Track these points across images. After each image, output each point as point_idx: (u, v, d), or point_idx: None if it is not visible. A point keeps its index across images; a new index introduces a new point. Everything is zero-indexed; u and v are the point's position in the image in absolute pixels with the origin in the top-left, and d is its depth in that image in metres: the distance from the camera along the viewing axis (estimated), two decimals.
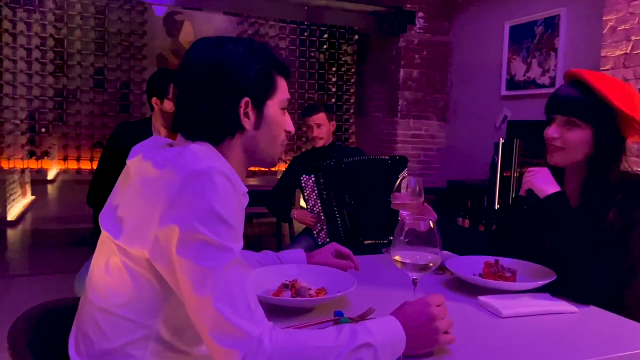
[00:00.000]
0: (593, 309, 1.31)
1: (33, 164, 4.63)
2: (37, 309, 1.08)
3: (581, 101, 1.39)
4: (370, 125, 5.54)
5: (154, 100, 2.46)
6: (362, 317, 1.13)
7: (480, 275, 1.44)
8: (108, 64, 4.77)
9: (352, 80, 5.71)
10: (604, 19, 3.06)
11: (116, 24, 4.81)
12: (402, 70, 4.99)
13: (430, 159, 5.20)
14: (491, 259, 1.48)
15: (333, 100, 5.65)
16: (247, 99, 1.04)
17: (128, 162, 1.04)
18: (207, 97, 1.03)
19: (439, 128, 5.20)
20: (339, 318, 1.12)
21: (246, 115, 1.06)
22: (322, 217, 2.91)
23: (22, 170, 4.87)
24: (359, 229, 2.88)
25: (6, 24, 4.50)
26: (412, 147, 5.11)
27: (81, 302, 1.05)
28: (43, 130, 4.64)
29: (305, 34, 5.44)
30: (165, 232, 0.88)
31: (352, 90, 5.72)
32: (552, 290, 1.36)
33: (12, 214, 5.10)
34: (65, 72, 4.68)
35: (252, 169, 2.65)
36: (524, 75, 4.26)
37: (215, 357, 0.85)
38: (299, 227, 3.14)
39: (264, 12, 4.93)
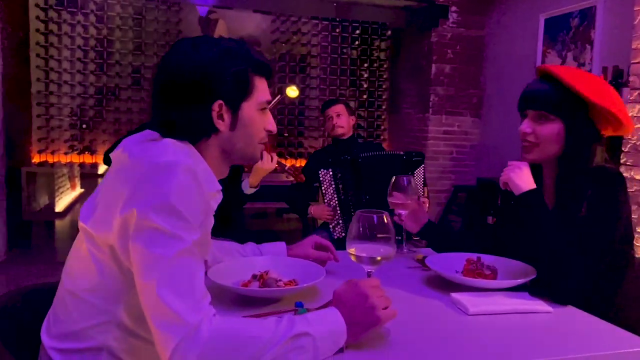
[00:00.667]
0: (570, 309, 1.27)
1: (75, 159, 4.88)
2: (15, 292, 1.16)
3: (550, 94, 1.36)
4: (402, 121, 5.49)
5: None
6: (323, 308, 1.14)
7: (461, 272, 1.43)
8: (145, 63, 4.96)
9: (385, 76, 5.67)
10: (635, 9, 2.91)
11: (153, 23, 4.98)
12: (434, 65, 4.92)
13: (462, 156, 5.09)
14: (474, 256, 1.46)
15: (365, 96, 5.63)
16: (220, 101, 1.08)
17: (111, 154, 1.10)
18: (180, 100, 1.07)
19: (473, 124, 5.09)
20: (298, 309, 1.14)
21: (220, 117, 1.09)
22: (338, 212, 2.93)
23: (71, 165, 5.13)
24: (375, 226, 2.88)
25: (52, 26, 4.76)
26: (444, 144, 5.03)
27: (59, 285, 1.12)
28: (84, 126, 4.88)
29: (337, 30, 5.44)
30: (125, 218, 0.93)
31: (384, 87, 5.68)
32: (535, 289, 1.33)
33: (60, 206, 5.40)
34: (105, 71, 4.89)
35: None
36: None
37: (155, 340, 0.89)
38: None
39: (293, 10, 4.97)
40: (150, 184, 0.94)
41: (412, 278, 1.48)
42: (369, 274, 1.11)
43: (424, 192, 2.85)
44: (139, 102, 4.95)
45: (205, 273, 1.30)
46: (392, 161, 2.85)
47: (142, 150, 1.00)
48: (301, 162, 5.32)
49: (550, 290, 1.30)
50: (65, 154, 4.88)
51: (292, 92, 5.39)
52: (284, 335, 0.90)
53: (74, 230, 5.48)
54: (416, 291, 1.36)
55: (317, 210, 2.96)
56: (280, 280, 1.27)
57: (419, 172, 2.82)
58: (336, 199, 2.94)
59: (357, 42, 5.55)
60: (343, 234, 2.94)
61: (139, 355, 1.03)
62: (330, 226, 2.97)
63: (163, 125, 1.09)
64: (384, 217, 1.10)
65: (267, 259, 1.40)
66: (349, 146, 3.08)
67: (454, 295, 1.28)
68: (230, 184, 2.68)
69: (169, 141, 1.03)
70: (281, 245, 1.50)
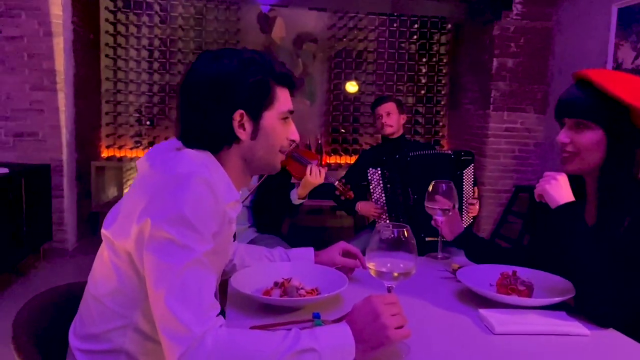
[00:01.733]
0: (610, 333, 1.18)
1: (140, 154, 5.11)
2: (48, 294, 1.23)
3: (587, 101, 1.27)
4: (462, 118, 5.31)
5: None
6: (339, 320, 1.13)
7: (495, 287, 1.36)
8: None
9: (444, 71, 5.50)
10: None
11: (213, 23, 5.11)
12: (495, 60, 4.71)
13: (526, 154, 4.86)
14: (509, 269, 1.39)
15: (423, 92, 5.49)
16: (241, 111, 1.09)
17: (137, 162, 1.14)
18: (202, 110, 1.09)
19: (537, 121, 4.84)
20: (315, 320, 1.13)
21: (241, 126, 1.10)
22: (386, 211, 2.89)
23: (138, 159, 5.38)
24: (420, 225, 2.81)
25: (120, 27, 5.00)
26: (506, 142, 4.82)
27: (85, 288, 1.18)
28: (148, 123, 5.10)
29: (395, 25, 5.34)
30: (141, 228, 0.96)
31: (443, 82, 5.52)
32: (575, 309, 1.25)
33: None
34: (168, 70, 5.08)
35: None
36: (632, 62, 3.81)
37: (163, 347, 0.91)
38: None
39: (351, 6, 4.93)
40: (164, 195, 0.96)
41: (443, 289, 1.43)
42: (389, 290, 1.08)
43: (474, 192, 2.75)
44: None
45: (227, 279, 1.32)
46: (441, 161, 2.77)
47: (162, 161, 1.03)
48: (348, 160, 5.29)
49: (588, 312, 1.21)
50: (131, 149, 5.12)
51: (352, 87, 5.36)
52: (288, 349, 0.90)
53: None
54: (444, 304, 1.32)
55: (365, 207, 2.94)
56: (302, 288, 1.27)
57: (468, 171, 2.73)
58: (384, 198, 2.90)
59: (415, 37, 5.42)
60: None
61: (155, 358, 1.06)
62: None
63: (186, 134, 1.11)
64: (405, 231, 1.06)
65: (291, 266, 1.40)
66: (398, 145, 3.02)
67: (482, 311, 1.23)
68: (280, 193, 2.72)
69: (188, 152, 1.05)
70: (309, 251, 1.49)
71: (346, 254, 1.48)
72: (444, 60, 5.48)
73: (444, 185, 1.66)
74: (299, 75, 5.33)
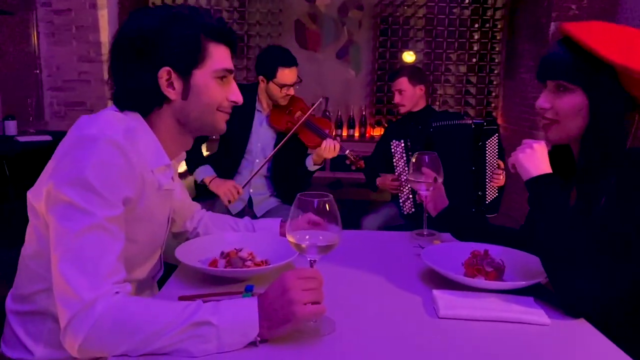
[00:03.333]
0: (575, 324, 1.05)
1: None
2: None
3: (568, 60, 1.09)
4: (517, 88, 4.96)
5: (260, 77, 2.56)
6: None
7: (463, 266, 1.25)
8: (249, 31, 5.08)
9: (499, 38, 5.13)
10: None
11: None
12: (552, 24, 4.33)
13: None
14: (482, 247, 1.27)
15: (475, 60, 5.17)
16: (167, 69, 1.05)
17: None
18: (127, 70, 1.06)
19: None
20: (247, 292, 1.08)
21: (170, 85, 1.06)
22: (409, 186, 2.77)
23: None
24: None
25: None
26: None
27: None
28: None
29: None
30: (47, 189, 0.96)
31: (498, 49, 5.15)
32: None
33: (182, 167, 5.90)
34: None
35: None
36: None
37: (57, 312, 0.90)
38: None
39: None
40: (69, 157, 0.94)
41: (410, 267, 1.33)
42: (311, 264, 1.01)
43: (499, 165, 2.56)
44: (242, 70, 5.10)
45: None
46: (463, 131, 2.60)
47: (78, 123, 1.01)
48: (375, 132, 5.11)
49: (559, 297, 1.08)
50: None
51: (409, 56, 5.14)
52: (184, 321, 0.86)
53: (190, 191, 5.97)
54: (402, 283, 1.23)
55: (382, 181, 2.83)
56: (250, 259, 1.22)
57: (492, 142, 2.55)
58: (407, 171, 2.78)
59: (467, 1, 5.09)
60: (413, 210, 2.77)
61: None
62: (400, 200, 2.82)
63: (115, 96, 1.09)
64: (327, 203, 0.98)
65: (244, 237, 1.36)
66: (424, 117, 2.87)
67: (436, 292, 1.13)
68: (297, 161, 2.66)
69: (105, 113, 1.02)
70: (275, 222, 1.44)
71: (314, 224, 1.41)
72: (499, 26, 5.11)
73: (426, 157, 1.54)
74: (344, 44, 5.19)
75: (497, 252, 1.26)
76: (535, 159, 1.13)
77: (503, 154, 2.62)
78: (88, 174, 0.92)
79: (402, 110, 2.86)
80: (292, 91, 2.54)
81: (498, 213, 2.71)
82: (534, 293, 1.13)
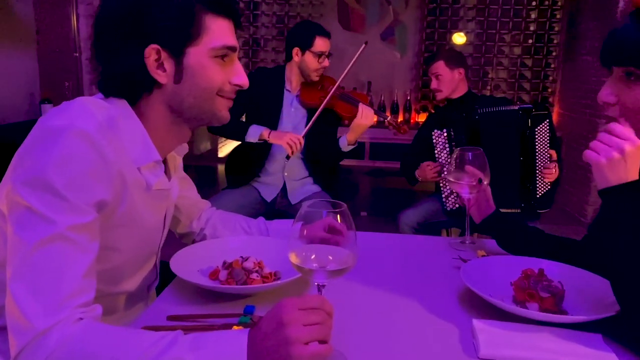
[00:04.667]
0: None
1: None
2: None
3: None
4: (578, 72, 4.55)
5: (295, 50, 2.42)
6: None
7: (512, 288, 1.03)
8: (289, 12, 4.89)
9: (559, 16, 4.72)
10: None
11: None
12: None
13: None
14: (536, 264, 1.04)
15: (531, 41, 4.77)
16: (155, 46, 0.88)
17: None
18: (110, 46, 0.90)
19: None
20: (245, 315, 0.91)
21: (160, 66, 0.90)
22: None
23: None
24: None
25: None
26: None
27: None
28: None
29: None
30: (7, 191, 0.81)
31: (557, 29, 4.74)
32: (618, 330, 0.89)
33: (224, 152, 5.83)
34: (251, 22, 4.96)
35: None
36: None
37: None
38: None
39: None
40: (29, 154, 0.79)
41: (447, 284, 1.12)
42: (319, 288, 0.82)
43: (551, 156, 2.28)
44: (281, 52, 4.93)
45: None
46: (511, 118, 2.34)
47: (49, 112, 0.85)
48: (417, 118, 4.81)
49: (634, 336, 0.85)
50: None
51: (459, 38, 4.83)
52: (154, 358, 0.69)
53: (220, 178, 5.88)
54: (436, 307, 1.02)
55: (422, 172, 2.58)
56: (256, 270, 1.05)
57: (542, 129, 2.27)
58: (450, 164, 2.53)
59: None
60: (457, 205, 2.53)
61: None
62: (443, 195, 2.58)
63: (100, 80, 0.93)
64: (340, 214, 0.79)
65: (252, 242, 1.18)
66: (466, 103, 2.60)
67: (476, 323, 0.92)
68: (330, 141, 2.48)
69: (81, 100, 0.86)
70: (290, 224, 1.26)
71: (331, 230, 1.22)
72: (559, 3, 4.70)
73: (470, 154, 1.32)
74: (389, 25, 4.92)
75: (556, 271, 1.04)
76: (621, 168, 0.87)
77: (556, 143, 2.34)
78: (50, 173, 0.76)
79: (440, 96, 2.62)
80: (327, 62, 2.43)
81: (551, 208, 2.43)
82: (602, 329, 0.90)
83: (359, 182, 4.91)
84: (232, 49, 0.93)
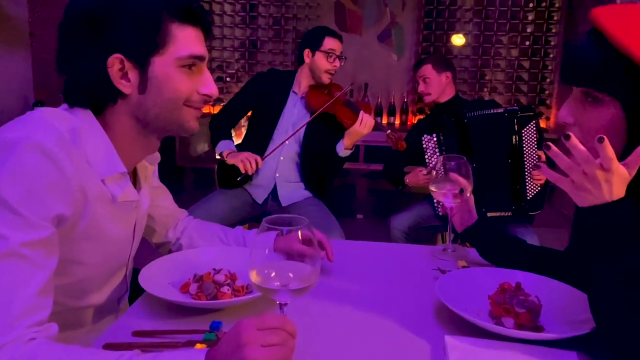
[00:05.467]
0: None
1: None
2: None
3: (599, 60, 0.82)
4: None
5: (305, 52, 2.47)
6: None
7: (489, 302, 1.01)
8: (285, 14, 4.86)
9: (556, 18, 4.68)
10: None
11: None
12: (619, 0, 3.87)
13: None
14: (514, 276, 1.02)
15: (528, 43, 4.74)
16: (118, 56, 0.86)
17: None
18: (73, 54, 0.88)
19: None
20: (211, 331, 0.89)
21: (124, 76, 0.88)
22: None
23: None
24: (482, 199, 2.40)
25: None
26: None
27: None
28: (228, 79, 5.04)
29: None
30: None
31: (555, 30, 4.70)
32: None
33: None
34: (248, 23, 4.93)
35: None
36: None
37: None
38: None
39: None
40: None
41: (423, 297, 1.10)
42: (281, 307, 0.80)
43: (539, 157, 2.26)
44: (279, 54, 4.91)
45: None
46: (496, 121, 2.33)
47: (6, 124, 0.83)
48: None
49: (605, 356, 0.83)
50: (212, 105, 5.11)
51: (458, 39, 4.80)
52: None
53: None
54: (409, 321, 1.00)
55: (412, 177, 2.56)
56: (227, 283, 1.03)
57: (529, 131, 2.26)
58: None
59: None
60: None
61: None
62: (435, 200, 2.56)
63: (64, 89, 0.91)
64: (301, 231, 0.76)
65: (226, 253, 1.16)
66: (454, 107, 2.59)
67: (449, 340, 0.90)
68: (328, 146, 2.45)
69: (41, 111, 0.84)
70: (270, 236, 1.23)
71: (307, 242, 1.20)
72: (557, 5, 4.66)
73: (453, 162, 1.30)
74: (386, 26, 4.89)
75: (533, 283, 1.02)
76: (605, 191, 0.82)
77: (542, 144, 2.32)
78: (3, 188, 0.74)
79: (428, 99, 2.62)
80: (337, 63, 2.47)
81: (544, 210, 2.41)
82: (577, 345, 0.88)
83: (355, 184, 4.89)
84: (200, 58, 0.91)
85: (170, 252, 1.23)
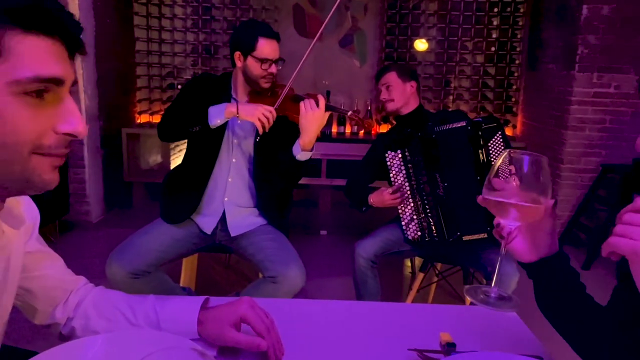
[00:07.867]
0: None
1: None
2: None
3: None
4: (541, 80, 4.41)
5: (236, 54, 2.01)
6: None
7: None
8: (241, 17, 4.57)
9: (521, 23, 4.56)
10: None
11: None
12: (585, 7, 3.76)
13: (619, 125, 3.92)
14: None
15: (493, 49, 4.61)
16: None
17: None
18: None
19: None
20: None
21: None
22: (411, 204, 2.27)
23: None
24: (455, 220, 2.17)
25: None
26: (594, 110, 3.91)
27: None
28: (179, 86, 4.71)
29: None
30: None
31: (519, 36, 4.58)
32: None
33: (175, 164, 5.46)
34: (200, 27, 4.62)
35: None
36: None
37: None
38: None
39: None
40: None
41: None
42: None
43: (510, 170, 2.04)
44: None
45: None
46: (462, 134, 2.12)
47: None
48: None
49: None
50: (159, 113, 4.78)
51: (421, 44, 4.60)
52: None
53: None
54: None
55: (377, 197, 2.29)
56: None
57: (496, 142, 2.07)
58: (408, 187, 2.28)
59: None
60: (418, 234, 2.27)
61: None
62: (403, 223, 2.31)
63: None
64: None
65: (127, 341, 0.86)
66: (418, 120, 2.36)
67: None
68: (279, 149, 2.05)
69: None
70: (192, 314, 0.93)
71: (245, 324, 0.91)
72: (521, 10, 4.54)
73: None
74: (347, 32, 4.66)
75: None
76: None
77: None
78: None
79: (391, 106, 2.35)
80: (274, 69, 2.01)
81: None
82: None
83: (319, 197, 4.63)
84: (55, 81, 0.62)
85: (61, 336, 0.93)
